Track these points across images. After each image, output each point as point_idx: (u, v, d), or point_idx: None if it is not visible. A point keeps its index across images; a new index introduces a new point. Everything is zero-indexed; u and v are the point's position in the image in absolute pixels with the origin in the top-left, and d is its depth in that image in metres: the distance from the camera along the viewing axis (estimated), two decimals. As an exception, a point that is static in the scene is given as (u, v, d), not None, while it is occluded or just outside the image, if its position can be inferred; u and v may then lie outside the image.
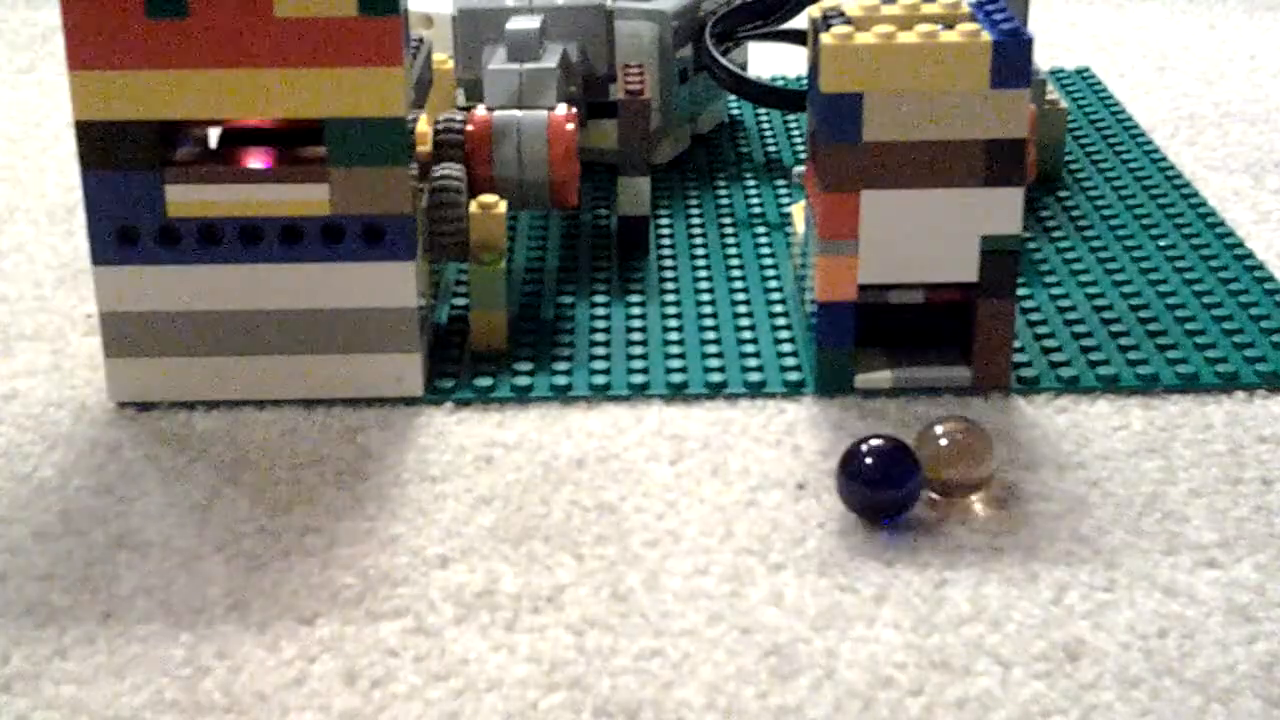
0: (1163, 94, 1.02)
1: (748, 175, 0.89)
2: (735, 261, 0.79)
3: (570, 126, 0.71)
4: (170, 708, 0.50)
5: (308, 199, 0.65)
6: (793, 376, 0.68)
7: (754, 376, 0.68)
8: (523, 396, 0.67)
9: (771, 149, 0.93)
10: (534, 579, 0.56)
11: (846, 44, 0.63)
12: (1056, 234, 0.81)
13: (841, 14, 0.66)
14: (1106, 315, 0.73)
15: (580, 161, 0.80)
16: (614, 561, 0.57)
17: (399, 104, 0.63)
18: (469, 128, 0.71)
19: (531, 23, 0.76)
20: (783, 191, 0.87)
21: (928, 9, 0.66)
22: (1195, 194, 0.86)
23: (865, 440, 0.58)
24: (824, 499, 0.60)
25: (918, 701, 0.50)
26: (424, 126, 0.69)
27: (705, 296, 0.75)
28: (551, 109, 0.72)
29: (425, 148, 0.69)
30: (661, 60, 0.86)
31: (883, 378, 0.67)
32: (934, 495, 0.59)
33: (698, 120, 0.92)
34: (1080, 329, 0.72)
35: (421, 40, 0.71)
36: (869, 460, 0.58)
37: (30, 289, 0.78)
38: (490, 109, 0.72)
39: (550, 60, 0.75)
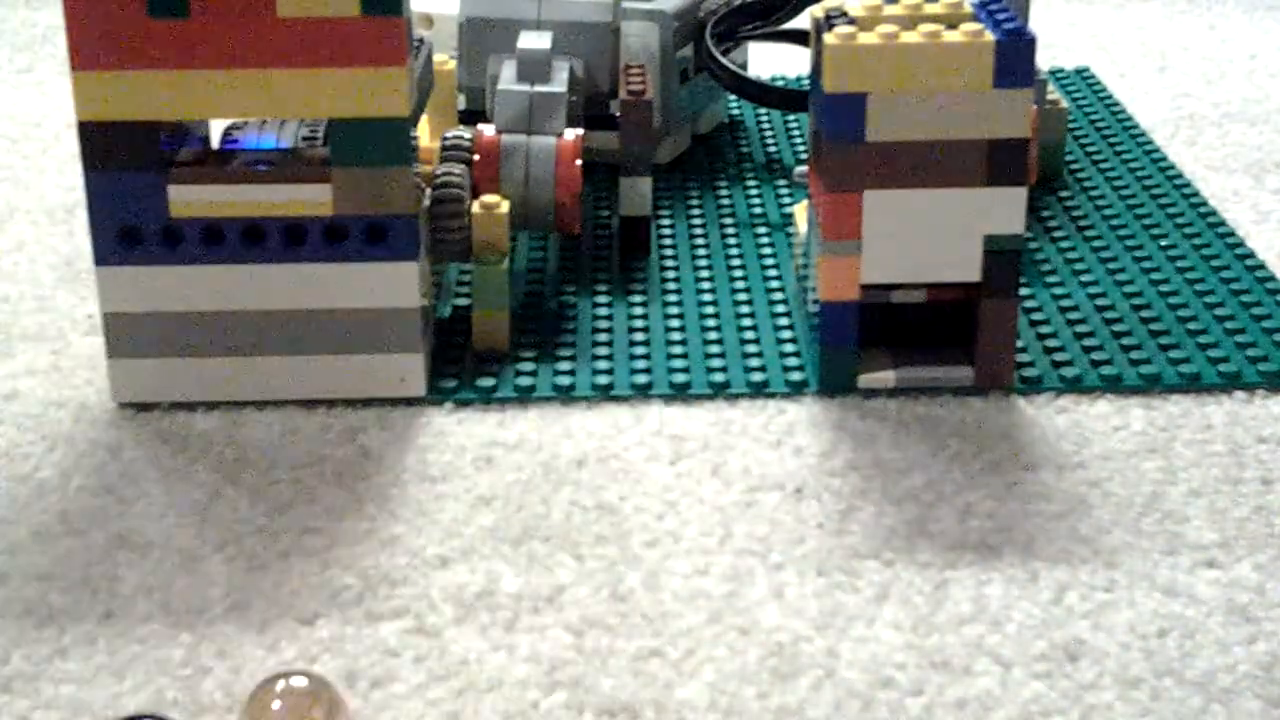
0: (1163, 94, 1.02)
1: (748, 175, 0.89)
2: (737, 261, 0.79)
3: (578, 162, 0.72)
4: (170, 708, 0.50)
5: (311, 199, 0.65)
6: (795, 376, 0.68)
7: (756, 376, 0.68)
8: (524, 396, 0.67)
9: (772, 149, 0.93)
10: (534, 579, 0.56)
11: (850, 44, 0.63)
12: (1058, 234, 0.81)
13: (844, 14, 0.66)
14: (1108, 315, 0.73)
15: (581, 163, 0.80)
16: (614, 561, 0.57)
17: (402, 104, 0.63)
18: (475, 157, 0.71)
19: (543, 41, 0.75)
20: (783, 191, 0.87)
21: (930, 9, 0.66)
22: (1196, 194, 0.85)
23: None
24: (824, 499, 0.60)
25: (918, 701, 0.50)
26: (428, 142, 0.69)
27: (707, 296, 0.75)
28: (560, 135, 0.72)
29: (429, 167, 0.69)
30: (662, 60, 0.86)
31: (886, 377, 0.67)
32: None
33: (698, 120, 0.92)
34: (1082, 329, 0.72)
35: (422, 41, 0.71)
36: None
37: (30, 289, 0.78)
38: (499, 131, 0.72)
39: (559, 82, 0.74)
